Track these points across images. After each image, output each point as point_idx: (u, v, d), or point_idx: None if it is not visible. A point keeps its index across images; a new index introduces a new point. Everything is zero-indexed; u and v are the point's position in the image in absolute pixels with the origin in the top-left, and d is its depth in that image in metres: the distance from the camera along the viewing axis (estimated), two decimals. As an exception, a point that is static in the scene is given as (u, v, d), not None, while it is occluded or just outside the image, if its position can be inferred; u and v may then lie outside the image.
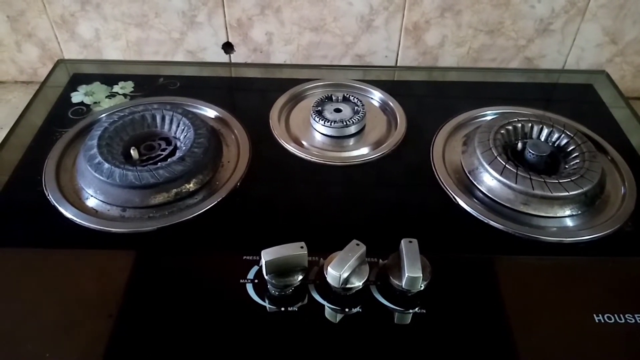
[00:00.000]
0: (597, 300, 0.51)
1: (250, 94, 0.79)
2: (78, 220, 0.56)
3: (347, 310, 0.50)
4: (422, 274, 0.48)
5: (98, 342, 0.46)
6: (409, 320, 0.49)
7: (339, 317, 0.50)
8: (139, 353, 0.46)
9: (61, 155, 0.64)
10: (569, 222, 0.58)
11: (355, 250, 0.50)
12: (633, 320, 0.49)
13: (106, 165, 0.58)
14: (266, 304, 0.50)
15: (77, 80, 0.78)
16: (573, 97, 0.80)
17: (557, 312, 0.50)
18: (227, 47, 0.85)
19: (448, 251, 0.55)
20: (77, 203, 0.58)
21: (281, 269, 0.50)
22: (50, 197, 0.59)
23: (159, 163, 0.60)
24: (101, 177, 0.58)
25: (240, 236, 0.56)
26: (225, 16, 0.81)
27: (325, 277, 0.50)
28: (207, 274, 0.53)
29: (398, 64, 0.86)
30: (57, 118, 0.71)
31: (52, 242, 0.55)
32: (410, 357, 0.47)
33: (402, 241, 0.50)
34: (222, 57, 0.86)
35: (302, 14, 0.81)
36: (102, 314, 0.48)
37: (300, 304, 0.50)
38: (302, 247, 0.49)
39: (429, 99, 0.78)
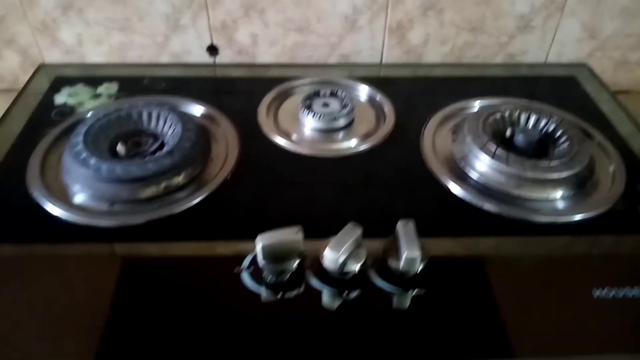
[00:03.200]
0: (595, 276, 0.51)
1: (237, 92, 0.78)
2: (64, 217, 0.55)
3: (345, 294, 0.49)
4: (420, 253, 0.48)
5: (91, 335, 0.45)
6: (408, 303, 0.49)
7: (337, 302, 0.49)
8: (133, 345, 0.45)
9: (45, 154, 0.63)
10: (562, 204, 0.58)
11: (351, 232, 0.49)
12: (631, 295, 0.49)
13: (93, 159, 0.57)
14: (262, 292, 0.49)
15: (60, 82, 0.77)
16: (557, 88, 0.81)
17: (554, 290, 0.50)
18: (212, 50, 0.85)
19: (444, 236, 0.55)
20: (64, 200, 0.57)
21: (277, 255, 0.49)
22: (35, 195, 0.57)
23: (147, 157, 0.59)
24: (88, 172, 0.56)
25: (233, 227, 0.55)
26: (209, 19, 0.81)
27: (322, 263, 0.49)
28: (201, 264, 0.52)
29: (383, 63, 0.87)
30: (41, 119, 0.69)
31: (39, 239, 0.54)
32: (409, 339, 0.46)
33: (399, 222, 0.50)
34: (207, 61, 0.86)
35: (286, 15, 0.81)
36: (94, 306, 0.47)
37: (297, 290, 0.49)
38: (297, 232, 0.49)
39: (416, 94, 0.79)
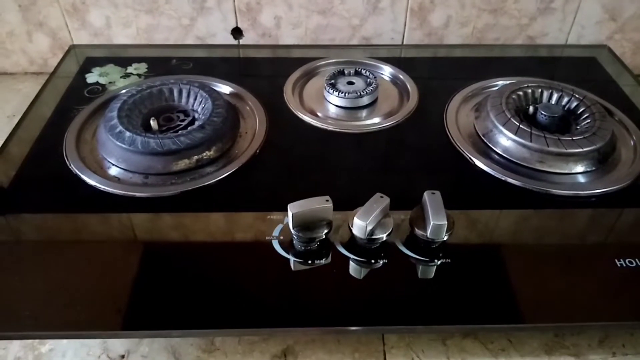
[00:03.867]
0: (618, 247, 0.52)
1: (263, 71, 0.80)
2: (101, 187, 0.57)
3: (372, 261, 0.50)
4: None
5: (123, 296, 0.47)
6: (434, 272, 0.50)
7: (364, 271, 0.50)
8: (165, 308, 0.47)
9: (80, 130, 0.65)
10: (584, 178, 0.60)
11: (379, 202, 0.50)
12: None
13: (127, 133, 0.59)
14: (291, 259, 0.50)
15: (91, 62, 0.79)
16: (577, 69, 0.81)
17: (577, 260, 0.51)
18: (236, 33, 0.87)
19: (469, 207, 0.56)
20: (100, 172, 0.59)
21: (307, 223, 0.50)
22: (73, 167, 0.59)
23: (180, 131, 0.61)
24: (123, 145, 0.58)
25: (262, 199, 0.57)
26: (234, 1, 0.83)
27: (351, 230, 0.50)
28: (232, 232, 0.54)
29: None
30: (74, 96, 0.71)
31: (77, 207, 0.56)
32: (433, 307, 0.48)
33: (425, 193, 0.51)
34: (232, 43, 0.87)
35: (310, -4, 0.83)
36: (127, 272, 0.49)
37: (325, 258, 0.51)
38: (327, 201, 0.50)
39: (438, 73, 0.80)
